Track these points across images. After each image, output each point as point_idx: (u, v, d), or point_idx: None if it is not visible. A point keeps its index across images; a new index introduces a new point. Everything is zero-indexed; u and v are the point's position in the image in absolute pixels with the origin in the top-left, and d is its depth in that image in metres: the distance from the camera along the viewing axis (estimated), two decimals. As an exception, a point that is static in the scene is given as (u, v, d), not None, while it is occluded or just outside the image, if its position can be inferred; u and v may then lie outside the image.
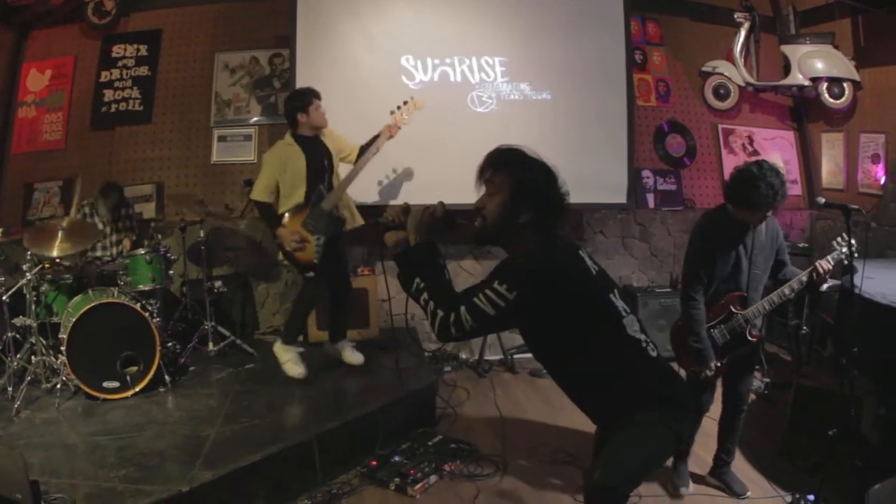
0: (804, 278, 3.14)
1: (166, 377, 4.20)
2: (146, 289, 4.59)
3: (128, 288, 4.48)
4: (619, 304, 2.10)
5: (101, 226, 4.94)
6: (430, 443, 3.94)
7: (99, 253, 4.95)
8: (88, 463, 3.18)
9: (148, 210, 5.71)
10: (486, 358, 5.53)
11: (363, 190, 4.87)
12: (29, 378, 4.03)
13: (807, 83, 5.67)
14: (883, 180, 5.27)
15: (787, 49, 5.82)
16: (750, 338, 3.23)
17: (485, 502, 3.42)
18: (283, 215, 4.21)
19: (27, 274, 4.08)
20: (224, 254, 5.72)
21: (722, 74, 6.15)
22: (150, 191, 5.76)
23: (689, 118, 6.33)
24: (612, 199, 5.74)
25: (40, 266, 4.22)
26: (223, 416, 3.77)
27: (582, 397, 2.17)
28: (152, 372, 4.11)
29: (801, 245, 5.86)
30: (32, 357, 4.14)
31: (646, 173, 6.17)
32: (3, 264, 4.45)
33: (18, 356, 4.17)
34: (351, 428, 3.77)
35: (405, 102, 4.42)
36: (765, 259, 3.20)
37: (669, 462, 3.26)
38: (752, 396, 3.56)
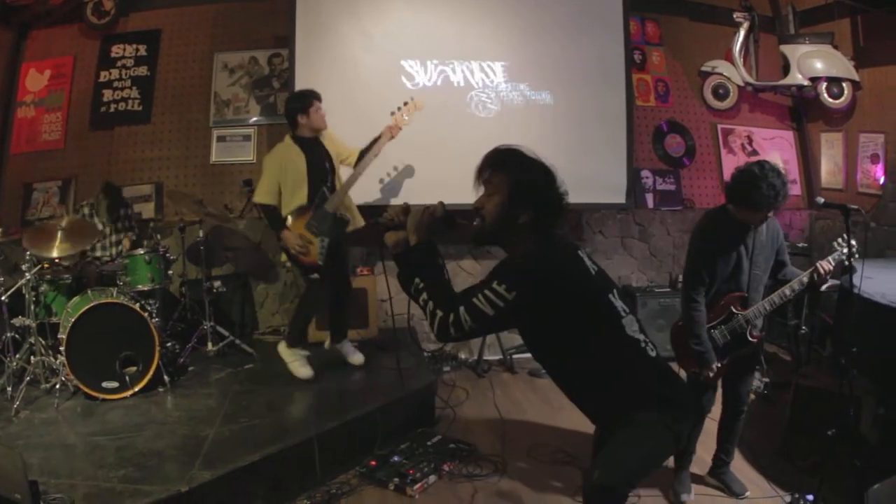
0: (805, 279, 3.13)
1: (165, 377, 4.20)
2: (145, 289, 4.59)
3: (127, 288, 4.47)
4: (618, 304, 2.10)
5: (100, 226, 4.94)
6: (429, 443, 3.94)
7: (98, 253, 4.94)
8: (87, 463, 3.18)
9: (147, 210, 5.70)
10: (485, 358, 5.53)
11: (363, 190, 4.87)
12: (28, 378, 4.03)
13: (806, 83, 5.67)
14: (882, 180, 5.27)
15: (786, 49, 5.83)
16: (750, 338, 3.22)
17: (484, 502, 3.42)
18: (286, 218, 4.21)
19: (26, 274, 4.08)
20: (223, 254, 5.71)
21: (721, 74, 6.15)
22: (149, 191, 5.75)
23: (689, 118, 6.33)
24: (612, 199, 5.74)
25: (39, 266, 4.22)
26: (222, 416, 3.77)
27: (581, 397, 2.17)
28: (151, 372, 4.10)
29: (800, 245, 5.87)
30: (31, 357, 4.14)
31: (645, 173, 6.17)
32: (3, 264, 4.46)
33: (18, 356, 4.16)
34: (350, 428, 3.77)
35: (405, 103, 4.43)
36: (765, 259, 3.20)
37: (671, 462, 3.27)
38: (752, 396, 3.56)
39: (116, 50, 5.84)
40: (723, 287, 3.18)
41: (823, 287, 3.18)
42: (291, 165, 4.20)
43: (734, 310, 3.19)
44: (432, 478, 3.59)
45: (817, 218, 6.15)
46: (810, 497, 3.06)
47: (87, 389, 3.95)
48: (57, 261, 4.33)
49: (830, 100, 5.60)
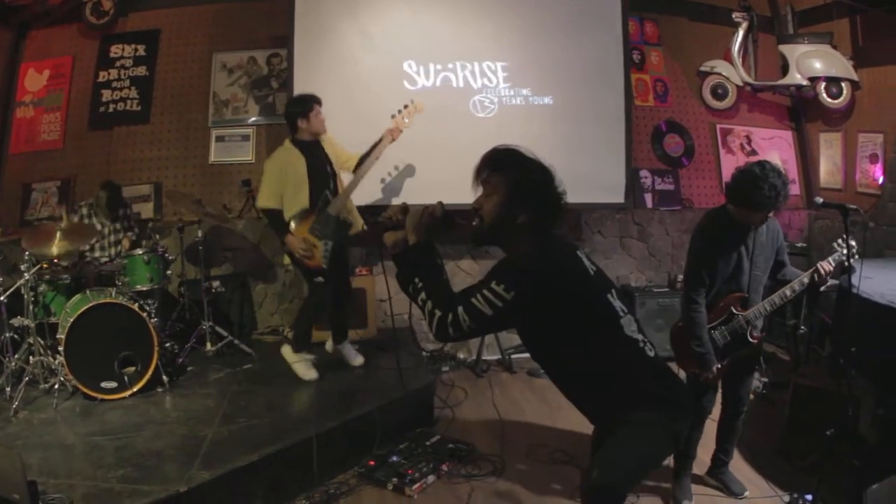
0: (806, 280, 3.13)
1: (164, 377, 4.19)
2: (144, 289, 4.59)
3: (125, 288, 4.47)
4: (617, 304, 2.10)
5: (99, 226, 4.94)
6: (427, 443, 3.94)
7: (97, 254, 4.94)
8: (86, 463, 3.18)
9: (146, 210, 5.71)
10: (483, 358, 5.53)
11: (364, 190, 4.85)
12: (27, 378, 4.03)
13: (805, 83, 5.67)
14: (881, 180, 5.27)
15: (785, 49, 5.83)
16: (751, 339, 3.22)
17: (482, 502, 3.42)
18: (289, 222, 4.22)
19: (25, 274, 4.07)
20: (222, 254, 5.71)
21: (720, 74, 6.15)
22: (148, 191, 5.76)
23: (687, 118, 6.33)
24: (610, 198, 5.73)
25: (38, 266, 4.22)
26: (221, 416, 3.77)
27: (579, 397, 2.17)
28: (150, 372, 4.10)
29: (799, 245, 5.88)
30: (30, 357, 4.13)
31: (644, 173, 6.17)
32: (1, 265, 4.45)
33: (16, 356, 4.16)
34: (349, 428, 3.77)
35: (405, 106, 4.43)
36: (765, 259, 3.19)
37: (670, 461, 3.27)
38: (751, 396, 3.56)
39: (115, 50, 5.85)
40: (723, 288, 3.17)
41: (822, 287, 3.18)
42: (292, 169, 4.21)
43: (734, 310, 3.18)
44: (431, 478, 3.59)
45: (816, 218, 6.15)
46: (809, 497, 3.07)
47: (85, 389, 3.95)
48: (56, 261, 4.33)
49: (829, 100, 5.60)
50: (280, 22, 5.49)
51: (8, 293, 4.10)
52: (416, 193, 5.10)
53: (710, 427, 3.49)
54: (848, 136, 5.72)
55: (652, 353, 2.10)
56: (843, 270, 3.13)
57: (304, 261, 4.22)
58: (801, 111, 6.36)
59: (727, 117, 6.36)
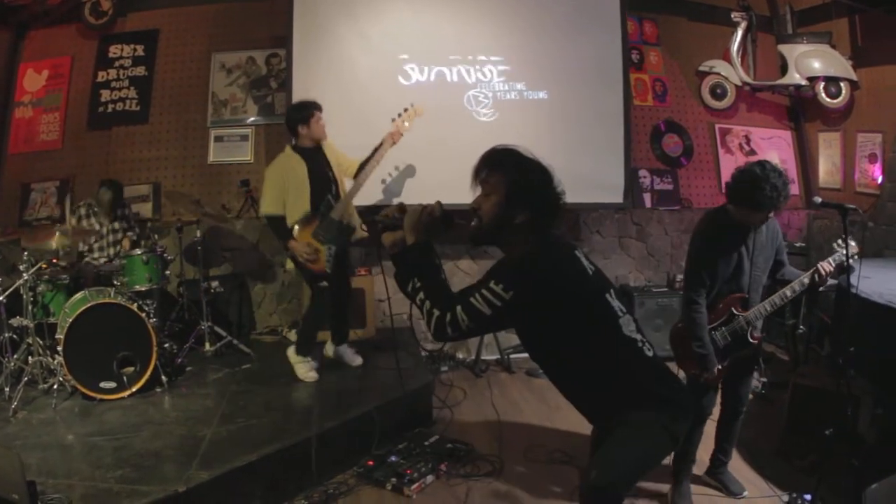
0: (806, 280, 3.12)
1: (163, 377, 4.19)
2: (143, 289, 4.58)
3: (124, 288, 4.47)
4: (616, 304, 2.10)
5: (97, 226, 4.94)
6: (426, 443, 3.94)
7: (96, 254, 4.94)
8: (85, 463, 3.17)
9: (145, 210, 5.71)
10: (482, 358, 5.52)
11: (364, 191, 4.83)
12: (26, 378, 4.03)
13: (804, 83, 5.68)
14: (880, 179, 5.28)
15: (784, 48, 5.83)
16: (751, 340, 3.21)
17: (481, 502, 3.42)
18: (292, 228, 4.22)
19: (24, 274, 4.07)
20: (221, 254, 5.71)
21: (719, 74, 6.16)
22: (147, 191, 5.75)
23: (686, 118, 6.33)
24: (609, 198, 5.74)
25: (37, 266, 4.21)
26: (220, 417, 3.77)
27: (578, 397, 2.17)
28: (149, 372, 4.10)
29: (798, 244, 5.88)
30: (29, 357, 4.13)
31: (643, 173, 6.17)
32: (0, 265, 4.45)
33: (15, 357, 4.16)
34: (348, 428, 3.77)
35: (405, 109, 4.43)
36: (765, 259, 3.19)
37: (669, 460, 3.26)
38: (750, 396, 3.55)
39: (114, 50, 5.84)
40: (723, 288, 3.16)
41: (822, 287, 3.18)
42: (292, 174, 4.22)
43: (735, 311, 3.17)
44: (430, 478, 3.59)
45: (815, 217, 6.15)
46: (808, 496, 3.07)
47: (84, 390, 3.95)
48: (54, 261, 4.33)
49: (828, 99, 5.61)
50: (279, 22, 5.49)
51: (7, 293, 4.09)
52: (414, 193, 5.09)
53: (710, 427, 3.49)
54: (847, 136, 5.72)
55: (651, 353, 2.10)
56: (842, 270, 3.13)
57: (308, 265, 4.23)
58: (800, 111, 6.36)
59: (726, 117, 6.36)
